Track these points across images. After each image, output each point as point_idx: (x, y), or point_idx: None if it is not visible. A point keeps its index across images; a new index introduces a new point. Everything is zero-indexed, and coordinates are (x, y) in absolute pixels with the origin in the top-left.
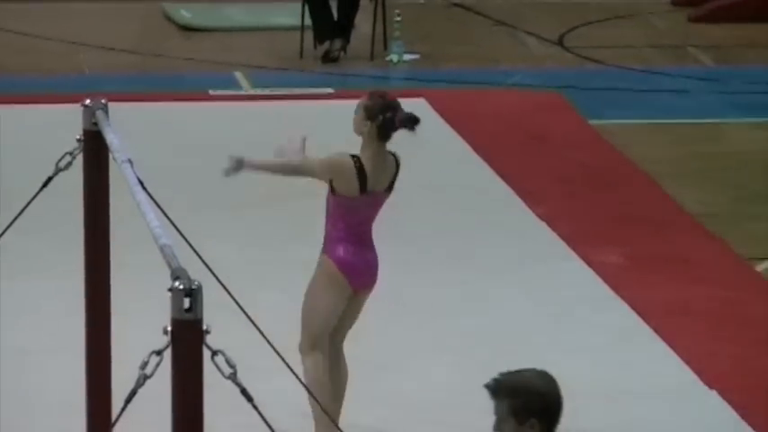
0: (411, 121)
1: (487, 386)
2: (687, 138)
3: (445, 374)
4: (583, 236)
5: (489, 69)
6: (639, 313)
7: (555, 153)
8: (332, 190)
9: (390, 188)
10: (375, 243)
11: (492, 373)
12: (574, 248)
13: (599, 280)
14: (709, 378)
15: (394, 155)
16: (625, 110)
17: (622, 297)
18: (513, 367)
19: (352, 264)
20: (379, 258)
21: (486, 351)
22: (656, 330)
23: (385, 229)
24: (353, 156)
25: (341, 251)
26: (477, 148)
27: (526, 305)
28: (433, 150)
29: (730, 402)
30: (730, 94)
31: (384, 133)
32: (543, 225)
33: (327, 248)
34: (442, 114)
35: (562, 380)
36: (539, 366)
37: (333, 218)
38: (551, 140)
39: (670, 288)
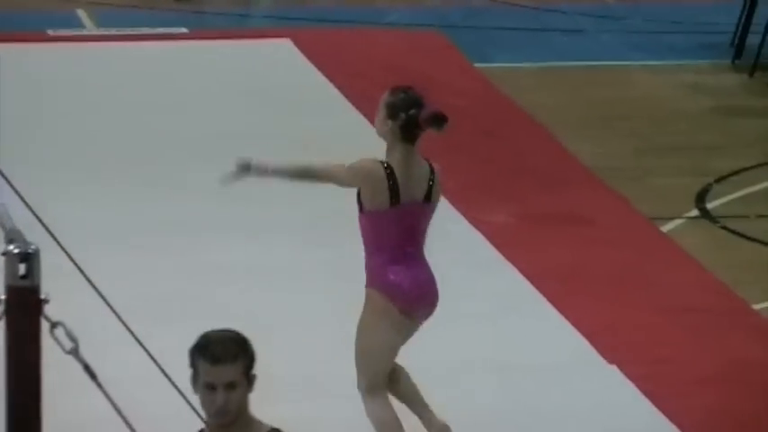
0: (437, 120)
1: None
2: (584, 83)
3: (321, 346)
4: (468, 193)
5: (362, 7)
6: (530, 278)
7: (436, 100)
8: (360, 207)
9: (429, 198)
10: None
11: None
12: (457, 207)
13: (485, 242)
14: (609, 351)
15: (428, 161)
16: (514, 52)
17: (511, 260)
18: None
19: (401, 287)
20: (435, 277)
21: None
22: (549, 298)
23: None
24: (383, 161)
25: (386, 276)
26: (349, 95)
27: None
28: (300, 97)
29: (631, 378)
30: (631, 33)
31: (408, 134)
32: None
33: (371, 279)
34: (309, 57)
35: (445, 351)
36: (419, 339)
37: (369, 241)
38: (432, 86)
39: (565, 250)
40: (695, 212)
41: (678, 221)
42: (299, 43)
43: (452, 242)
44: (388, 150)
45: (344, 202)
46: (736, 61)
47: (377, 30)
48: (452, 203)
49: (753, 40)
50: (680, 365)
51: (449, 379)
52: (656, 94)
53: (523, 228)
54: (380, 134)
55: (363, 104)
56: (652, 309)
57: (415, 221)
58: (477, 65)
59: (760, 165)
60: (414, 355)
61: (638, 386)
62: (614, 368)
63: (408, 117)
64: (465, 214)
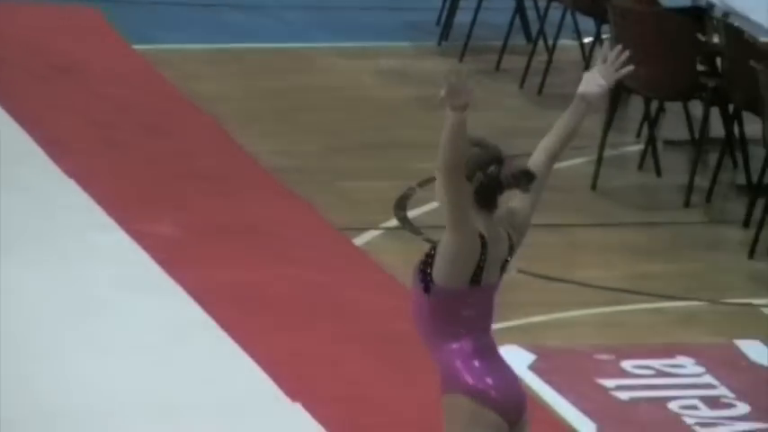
0: (525, 177)
1: None
2: (262, 68)
3: None
4: (125, 199)
5: None
6: (199, 301)
7: (87, 88)
8: (429, 282)
9: (503, 269)
10: None
11: None
12: (113, 215)
13: (146, 257)
14: (292, 387)
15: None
16: (180, 31)
17: (177, 280)
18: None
19: (495, 385)
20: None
21: None
22: (222, 323)
23: None
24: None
25: (474, 372)
26: None
27: (45, 291)
28: None
29: (318, 418)
30: (319, 10)
31: (483, 198)
32: (72, 184)
33: (448, 382)
34: None
35: (95, 389)
36: (65, 371)
37: (439, 330)
38: (83, 72)
39: (241, 267)
40: (394, 222)
41: (374, 233)
42: None
43: (107, 257)
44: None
45: None
46: (443, 43)
47: (15, 5)
48: (107, 211)
49: (462, 17)
50: (376, 406)
51: (101, 425)
52: (349, 82)
53: (191, 240)
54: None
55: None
56: (342, 337)
57: (492, 304)
58: (136, 46)
59: None
60: (50, 397)
61: (327, 428)
62: (298, 406)
63: (486, 176)
64: (122, 224)
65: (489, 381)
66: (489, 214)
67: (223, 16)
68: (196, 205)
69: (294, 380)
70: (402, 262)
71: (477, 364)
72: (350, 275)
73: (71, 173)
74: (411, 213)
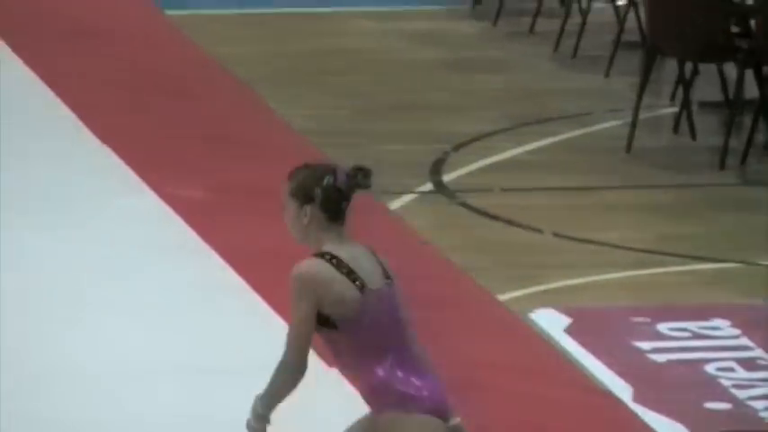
0: (360, 175)
1: None
2: (292, 32)
3: None
4: (155, 162)
5: None
6: (231, 264)
7: (115, 53)
8: (331, 326)
9: (388, 276)
10: None
11: None
12: (144, 178)
13: (178, 220)
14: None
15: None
16: None
17: (209, 242)
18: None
19: (421, 393)
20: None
21: (28, 317)
22: (252, 286)
23: None
24: (319, 255)
25: (407, 389)
26: (13, 45)
27: (80, 253)
28: None
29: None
30: None
31: (333, 211)
32: (104, 147)
33: (377, 403)
34: None
35: (125, 350)
36: (94, 332)
37: (354, 360)
38: (111, 35)
39: (272, 231)
40: (429, 186)
41: (408, 197)
42: None
43: (138, 220)
44: (317, 245)
45: None
46: (477, 6)
47: None
48: (138, 174)
49: None
50: None
51: (130, 386)
52: (380, 45)
53: (222, 203)
54: (301, 237)
55: (28, 57)
56: None
57: (392, 309)
58: (168, 12)
59: (504, 130)
60: (79, 356)
61: None
62: (334, 371)
63: (326, 189)
64: (153, 187)
65: (418, 384)
66: (341, 228)
67: None
68: (228, 168)
69: None
70: (436, 226)
71: (407, 374)
72: (381, 239)
73: (101, 136)
74: (446, 177)
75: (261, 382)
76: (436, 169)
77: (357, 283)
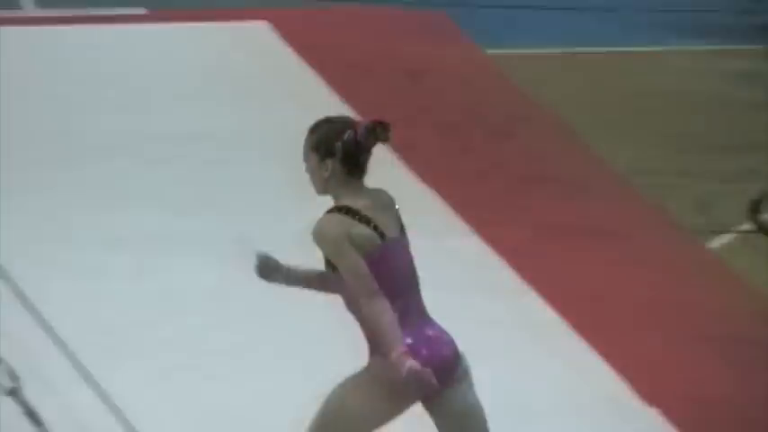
0: (379, 129)
1: None
2: (612, 71)
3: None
4: (476, 203)
5: None
6: (552, 302)
7: (437, 93)
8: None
9: (403, 231)
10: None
11: None
12: (465, 219)
13: (498, 260)
14: (647, 390)
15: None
16: (529, 34)
17: (529, 282)
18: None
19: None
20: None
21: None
22: (575, 326)
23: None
24: (335, 209)
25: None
26: (335, 84)
27: None
28: (278, 87)
29: (674, 422)
30: (664, 13)
31: (353, 165)
32: (423, 187)
33: (374, 346)
34: (289, 41)
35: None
36: None
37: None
38: (432, 76)
39: (593, 270)
40: (748, 225)
41: (728, 236)
42: (278, 25)
43: (460, 261)
44: (337, 198)
45: None
46: None
47: (366, 9)
48: (458, 214)
49: None
50: (728, 408)
51: None
52: (699, 84)
53: (542, 244)
54: (321, 190)
55: (349, 96)
56: (694, 341)
57: (404, 260)
58: (487, 51)
59: None
60: None
61: None
62: (654, 412)
63: (346, 143)
64: (474, 228)
65: (409, 341)
66: (359, 181)
67: (572, 19)
68: (546, 208)
69: (648, 383)
70: (755, 266)
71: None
72: (700, 278)
73: (422, 177)
74: (767, 216)
75: (585, 424)
76: (756, 207)
77: (378, 231)
